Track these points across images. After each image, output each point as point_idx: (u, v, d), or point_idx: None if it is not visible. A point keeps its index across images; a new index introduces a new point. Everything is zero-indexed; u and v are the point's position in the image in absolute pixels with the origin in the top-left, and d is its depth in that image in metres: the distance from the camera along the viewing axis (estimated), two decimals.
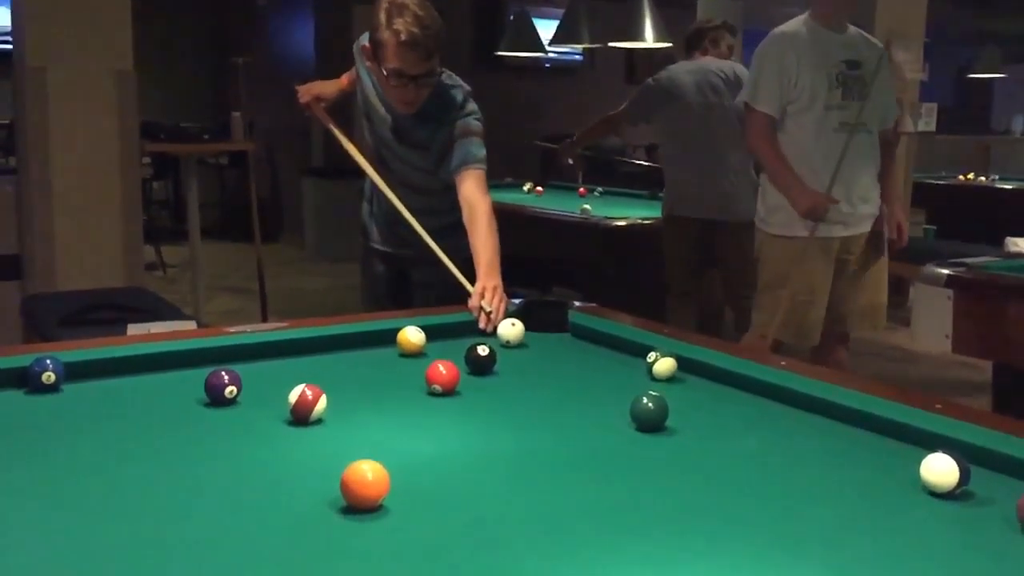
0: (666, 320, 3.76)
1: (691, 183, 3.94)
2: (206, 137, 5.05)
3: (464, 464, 1.24)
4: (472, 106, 2.35)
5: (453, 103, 2.33)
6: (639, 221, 4.14)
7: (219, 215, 8.51)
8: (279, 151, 8.54)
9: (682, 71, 4.05)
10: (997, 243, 4.57)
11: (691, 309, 4.06)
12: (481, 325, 1.91)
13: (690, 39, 4.22)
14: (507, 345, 1.81)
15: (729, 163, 3.94)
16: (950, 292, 2.56)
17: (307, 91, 2.60)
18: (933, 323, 2.63)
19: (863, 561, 0.98)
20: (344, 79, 2.66)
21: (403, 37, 2.14)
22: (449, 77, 2.38)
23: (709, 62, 4.04)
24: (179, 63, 8.66)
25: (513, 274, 3.14)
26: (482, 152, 2.29)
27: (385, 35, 2.16)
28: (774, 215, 3.03)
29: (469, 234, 2.16)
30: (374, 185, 2.51)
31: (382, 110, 2.42)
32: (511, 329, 1.84)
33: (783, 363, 1.58)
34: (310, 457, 1.25)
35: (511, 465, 1.24)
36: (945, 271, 2.62)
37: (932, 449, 1.24)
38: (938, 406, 1.35)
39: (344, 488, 1.06)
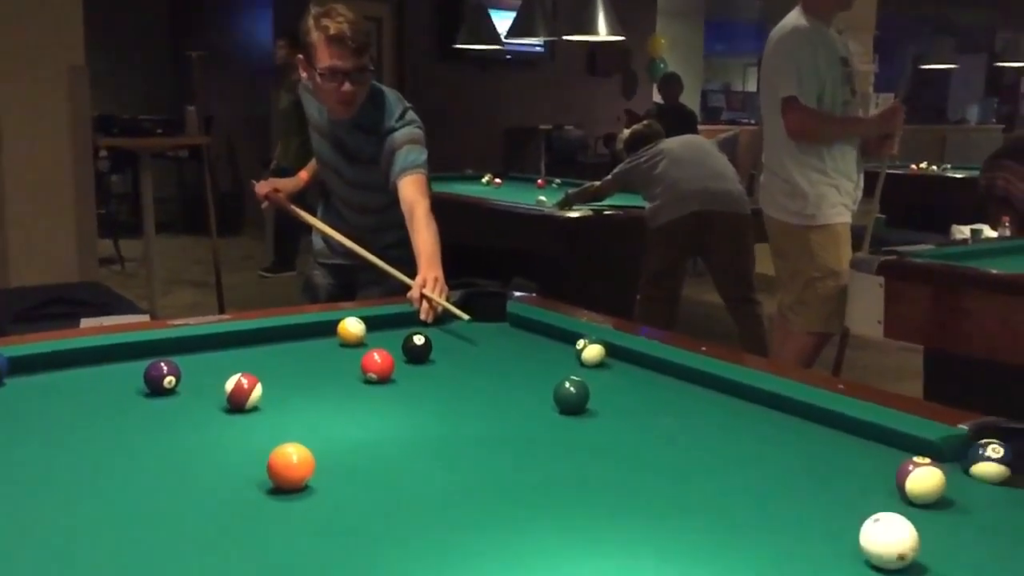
0: (634, 318, 3.83)
1: (682, 180, 3.95)
2: (160, 131, 5.05)
3: (390, 447, 1.31)
4: (411, 115, 2.45)
5: (392, 113, 2.43)
6: (594, 212, 4.21)
7: (179, 209, 8.48)
8: (240, 145, 8.52)
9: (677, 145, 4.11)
10: (945, 231, 4.71)
11: (664, 308, 4.10)
12: (422, 316, 1.97)
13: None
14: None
15: (720, 157, 4.11)
16: (881, 279, 2.66)
17: (265, 184, 2.70)
18: (866, 309, 2.73)
19: (746, 527, 1.05)
20: (304, 173, 2.76)
21: (332, 32, 2.24)
22: (390, 92, 2.49)
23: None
24: (139, 56, 8.60)
25: (474, 265, 3.18)
26: (422, 157, 2.38)
27: (314, 35, 2.26)
28: (819, 205, 3.09)
29: (410, 233, 2.24)
30: (327, 210, 2.66)
31: (328, 135, 2.51)
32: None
33: (704, 348, 1.66)
34: (243, 442, 1.30)
35: (435, 448, 1.31)
36: (876, 258, 2.72)
37: (833, 426, 1.33)
38: (840, 386, 1.44)
39: (270, 470, 1.12)
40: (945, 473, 1.10)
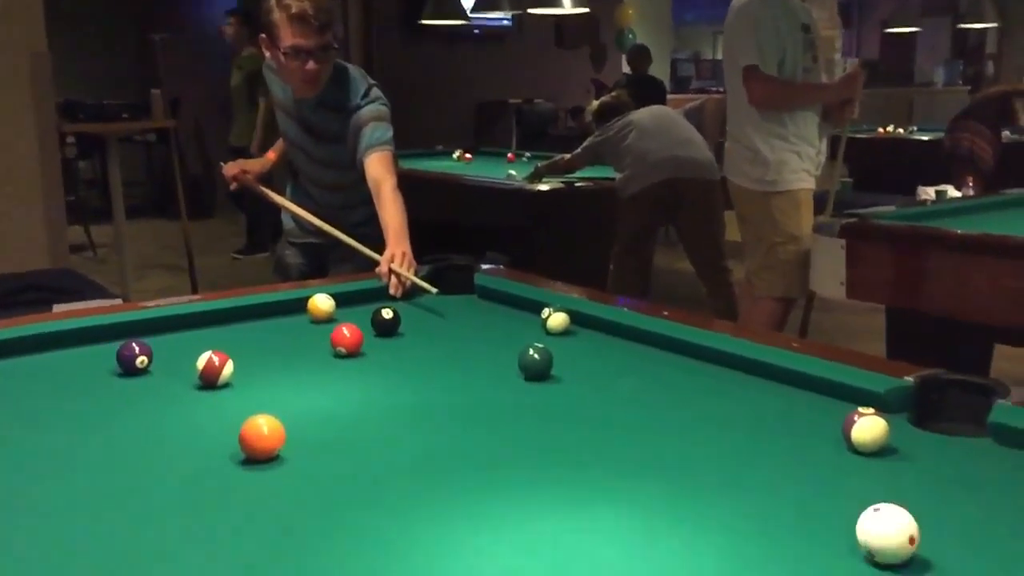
0: (606, 288, 3.89)
1: (652, 151, 3.99)
2: (125, 116, 5.01)
3: (359, 418, 1.34)
4: (376, 92, 2.46)
5: (357, 90, 2.44)
6: (564, 185, 4.24)
7: (149, 193, 8.42)
8: (209, 127, 8.45)
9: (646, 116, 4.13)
10: (913, 193, 4.79)
11: (636, 277, 4.15)
12: (392, 291, 2.00)
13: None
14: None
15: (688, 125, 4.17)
16: (843, 241, 2.72)
17: (233, 166, 2.70)
18: (829, 271, 2.79)
19: (703, 482, 1.10)
20: (271, 153, 2.77)
21: (294, 10, 2.25)
22: (355, 69, 2.50)
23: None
24: (102, 40, 8.49)
25: (447, 241, 3.21)
26: (388, 134, 2.40)
27: (276, 15, 2.27)
28: (781, 171, 3.16)
29: (377, 209, 2.26)
30: (295, 189, 2.67)
31: (294, 114, 2.51)
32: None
33: (666, 313, 1.70)
34: (215, 417, 1.33)
35: (404, 417, 1.35)
36: (838, 221, 2.78)
37: (786, 382, 1.38)
38: (795, 344, 1.49)
39: (241, 441, 1.15)
40: (889, 423, 1.16)
